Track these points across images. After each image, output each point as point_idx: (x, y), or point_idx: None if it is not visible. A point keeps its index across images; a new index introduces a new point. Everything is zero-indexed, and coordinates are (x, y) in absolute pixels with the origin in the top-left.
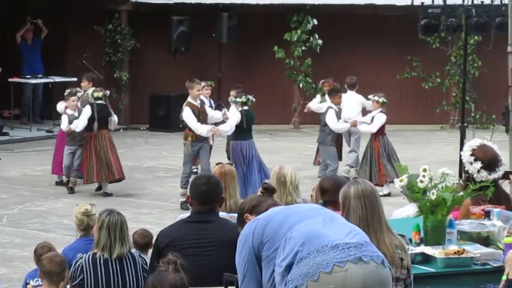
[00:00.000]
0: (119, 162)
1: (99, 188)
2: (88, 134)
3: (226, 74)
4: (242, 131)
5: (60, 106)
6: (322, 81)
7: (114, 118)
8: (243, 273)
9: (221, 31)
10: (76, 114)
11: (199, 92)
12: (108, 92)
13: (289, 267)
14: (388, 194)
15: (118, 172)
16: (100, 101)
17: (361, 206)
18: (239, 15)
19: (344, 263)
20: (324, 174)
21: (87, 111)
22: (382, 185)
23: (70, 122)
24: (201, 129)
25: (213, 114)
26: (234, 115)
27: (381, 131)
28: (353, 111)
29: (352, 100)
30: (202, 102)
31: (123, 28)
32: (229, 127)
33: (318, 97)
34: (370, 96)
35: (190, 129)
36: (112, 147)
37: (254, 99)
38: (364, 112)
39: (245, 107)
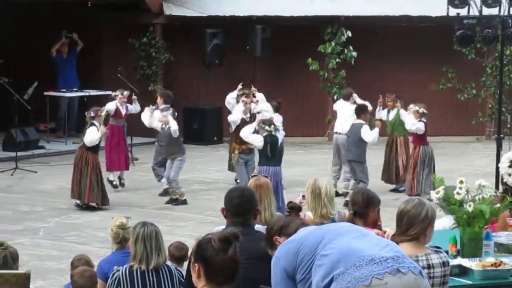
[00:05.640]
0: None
1: None
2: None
3: (260, 87)
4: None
5: (111, 105)
6: (388, 95)
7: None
8: None
9: (255, 44)
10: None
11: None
12: None
13: (327, 286)
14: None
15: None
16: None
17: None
18: (273, 27)
19: (382, 275)
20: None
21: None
22: (412, 195)
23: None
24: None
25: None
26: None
27: (421, 140)
28: (345, 122)
29: (345, 111)
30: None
31: (158, 41)
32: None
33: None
34: (410, 106)
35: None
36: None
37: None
38: None
39: (270, 133)
